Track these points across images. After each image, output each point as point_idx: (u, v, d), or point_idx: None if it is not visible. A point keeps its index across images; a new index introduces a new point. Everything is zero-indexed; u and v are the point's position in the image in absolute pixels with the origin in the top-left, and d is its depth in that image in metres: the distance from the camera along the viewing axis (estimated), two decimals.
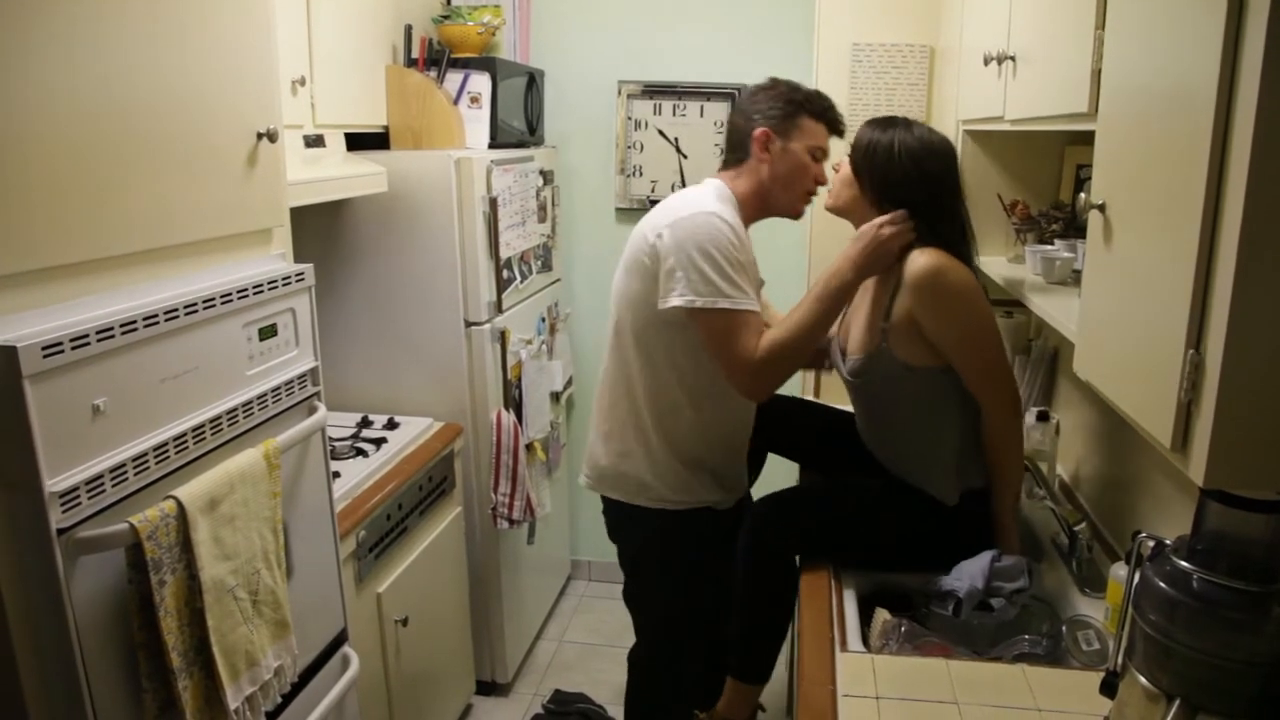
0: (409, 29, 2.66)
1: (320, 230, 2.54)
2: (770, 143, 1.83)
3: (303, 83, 2.10)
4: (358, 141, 2.49)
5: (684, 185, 3.22)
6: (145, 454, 1.28)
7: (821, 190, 1.89)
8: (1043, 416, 2.09)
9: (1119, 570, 1.46)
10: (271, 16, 1.60)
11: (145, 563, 1.23)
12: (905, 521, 1.73)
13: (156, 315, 1.29)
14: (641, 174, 3.27)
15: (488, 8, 2.93)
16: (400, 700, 2.25)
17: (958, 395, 1.68)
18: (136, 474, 1.27)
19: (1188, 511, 1.06)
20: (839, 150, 1.90)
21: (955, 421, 1.70)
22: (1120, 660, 1.13)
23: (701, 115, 3.19)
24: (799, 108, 1.84)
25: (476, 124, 2.68)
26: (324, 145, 2.25)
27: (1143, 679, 1.06)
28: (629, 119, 3.23)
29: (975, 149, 2.22)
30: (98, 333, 1.18)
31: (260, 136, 1.56)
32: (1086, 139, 1.25)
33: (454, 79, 2.66)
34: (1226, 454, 0.87)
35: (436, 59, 2.66)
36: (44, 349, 1.11)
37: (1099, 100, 1.20)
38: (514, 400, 2.74)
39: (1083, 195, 1.90)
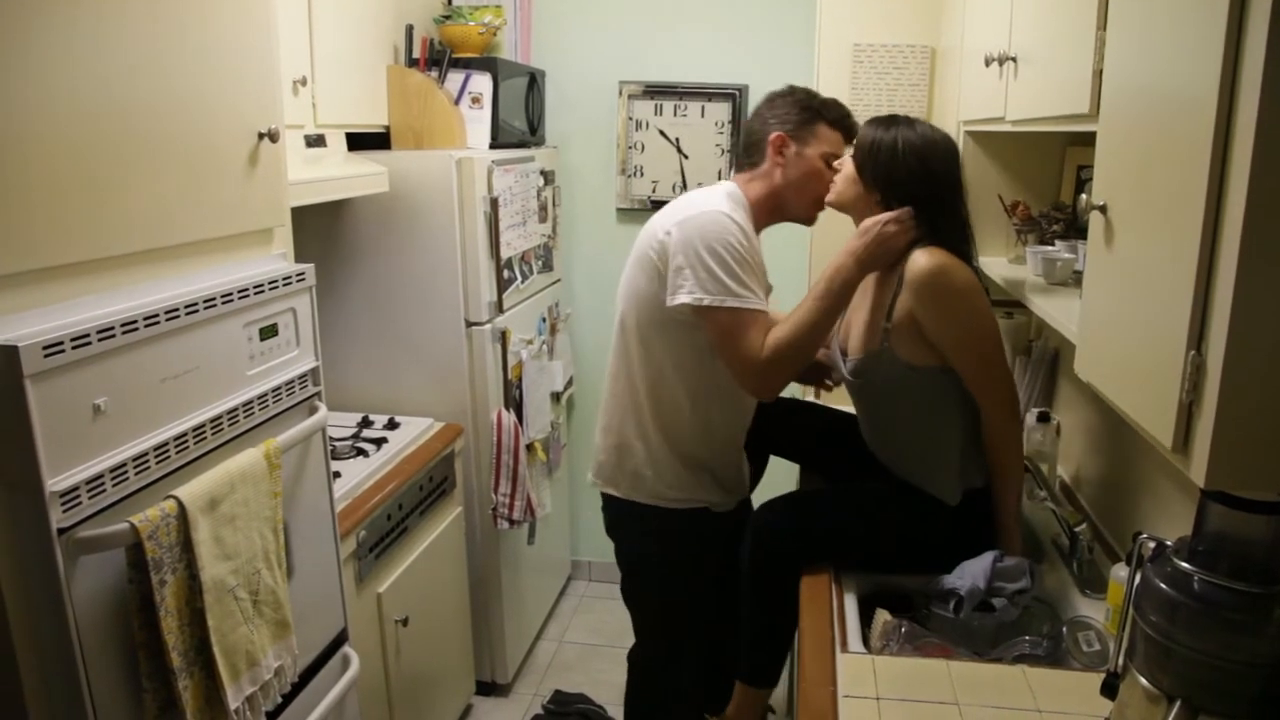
0: (410, 29, 2.66)
1: (321, 230, 2.54)
2: (785, 147, 1.84)
3: (304, 83, 2.10)
4: (359, 141, 2.49)
5: (685, 186, 3.23)
6: (146, 454, 1.28)
7: None
8: (1043, 417, 2.09)
9: (1120, 571, 1.46)
10: (273, 16, 1.60)
11: (146, 562, 1.23)
12: (907, 522, 1.73)
13: (157, 315, 1.29)
14: (642, 174, 3.27)
15: (489, 8, 2.94)
16: (400, 700, 2.25)
17: (959, 395, 1.68)
18: (137, 474, 1.27)
19: (1188, 512, 1.06)
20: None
21: (957, 421, 1.69)
22: (1121, 661, 1.13)
23: (703, 116, 3.19)
24: (815, 114, 1.85)
25: (478, 124, 2.68)
26: (325, 145, 2.25)
27: (1143, 680, 1.06)
28: (630, 119, 3.23)
29: (976, 149, 2.22)
30: (99, 332, 1.19)
31: (261, 136, 1.56)
32: (1088, 140, 1.25)
33: (455, 79, 2.66)
34: (1227, 455, 0.87)
35: (438, 59, 2.66)
36: (45, 348, 1.11)
37: (1100, 101, 1.20)
38: (514, 400, 2.74)
39: (1084, 196, 1.90)
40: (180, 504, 1.28)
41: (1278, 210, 0.80)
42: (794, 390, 2.50)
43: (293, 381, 1.63)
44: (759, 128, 1.88)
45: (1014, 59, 1.71)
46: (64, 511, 1.15)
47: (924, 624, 1.58)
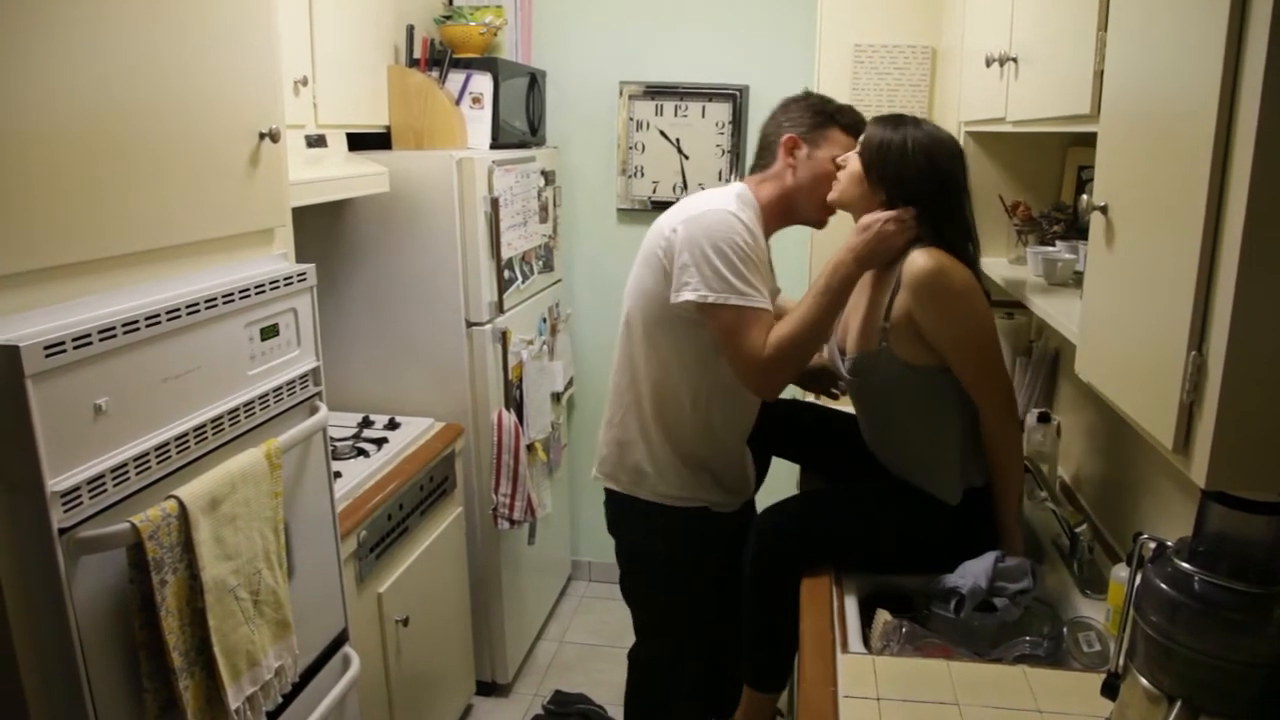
0: (411, 29, 2.67)
1: (322, 230, 2.54)
2: (797, 149, 1.85)
3: (305, 83, 2.10)
4: (359, 141, 2.49)
5: (685, 186, 3.23)
6: (147, 453, 1.28)
7: None
8: (1044, 418, 2.09)
9: (1120, 572, 1.46)
10: (273, 16, 1.60)
11: (146, 562, 1.23)
12: (907, 523, 1.73)
13: (158, 315, 1.29)
14: (643, 175, 3.27)
15: (489, 8, 2.94)
16: (401, 700, 2.25)
17: (958, 394, 1.68)
18: (138, 473, 1.27)
19: (1189, 513, 1.06)
20: None
21: (955, 420, 1.69)
22: (1122, 662, 1.13)
23: (703, 116, 3.19)
24: (830, 119, 1.86)
25: (478, 124, 2.68)
26: (326, 145, 2.25)
27: (1144, 680, 1.06)
28: (630, 120, 3.23)
29: (977, 150, 2.22)
30: (100, 332, 1.19)
31: (262, 136, 1.56)
32: (1088, 140, 1.25)
33: (456, 79, 2.66)
34: (1228, 455, 0.87)
35: (438, 59, 2.67)
36: (46, 348, 1.11)
37: (1101, 102, 1.20)
38: (515, 401, 2.74)
39: (1084, 197, 1.89)
40: (181, 504, 1.28)
41: (1278, 210, 0.80)
42: (794, 392, 2.50)
43: (293, 381, 1.63)
44: (772, 131, 1.90)
45: (1015, 59, 1.71)
46: (65, 511, 1.15)
47: (924, 624, 1.58)
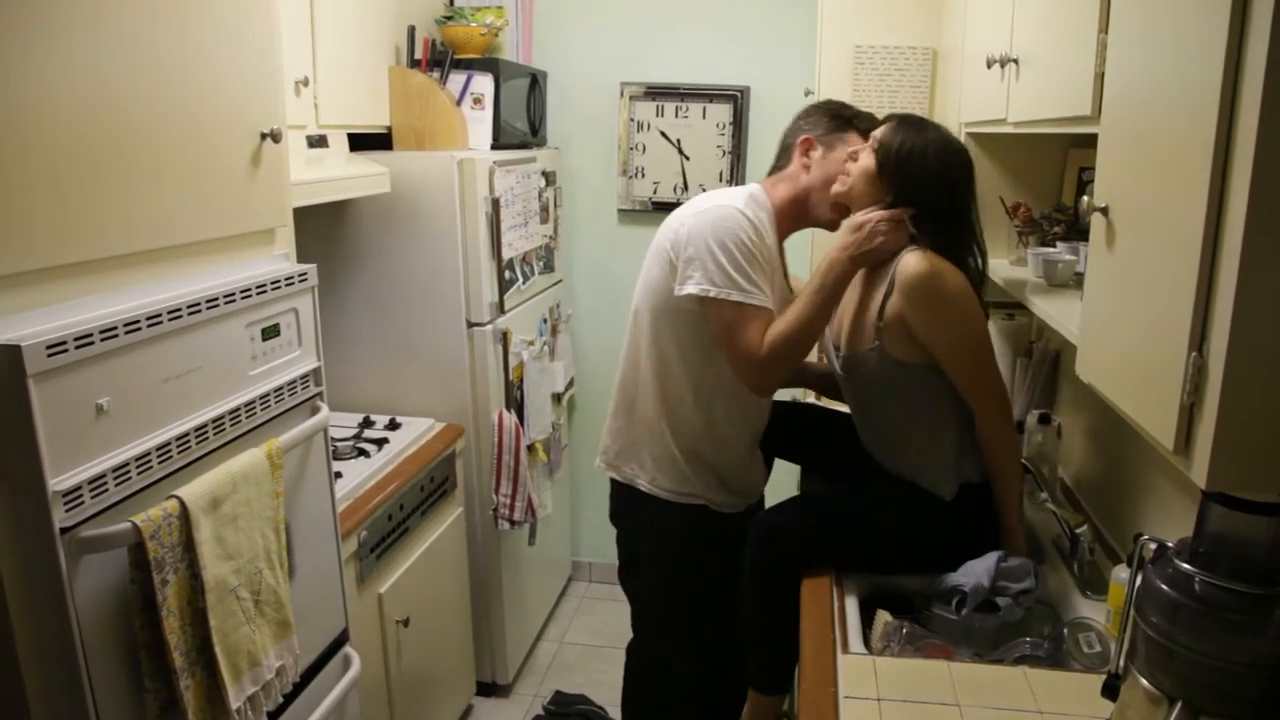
0: (412, 30, 2.67)
1: (323, 230, 2.54)
2: (812, 149, 1.87)
3: (306, 83, 2.10)
4: (361, 142, 2.50)
5: (686, 187, 3.23)
6: (148, 453, 1.28)
7: None
8: (1044, 419, 2.09)
9: (1120, 573, 1.46)
10: (275, 17, 1.60)
11: (148, 562, 1.23)
12: (907, 523, 1.73)
13: (160, 315, 1.29)
14: (644, 175, 3.27)
15: (490, 9, 2.94)
16: (401, 701, 2.25)
17: (951, 391, 1.68)
18: (139, 473, 1.27)
19: (1189, 514, 1.06)
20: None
21: (949, 416, 1.69)
22: (1122, 663, 1.13)
23: (704, 117, 3.20)
24: (847, 122, 1.88)
25: (479, 125, 2.68)
26: (327, 146, 2.25)
27: (1145, 681, 1.06)
28: (631, 120, 3.23)
29: (978, 151, 2.22)
30: (101, 332, 1.19)
31: (263, 137, 1.56)
32: (1089, 142, 1.25)
33: (457, 80, 2.66)
34: (1229, 456, 0.87)
35: (439, 60, 2.67)
36: (48, 348, 1.11)
37: (1102, 103, 1.20)
38: (515, 401, 2.74)
39: (1085, 198, 1.89)
40: (182, 504, 1.28)
41: (1279, 212, 0.80)
42: (795, 392, 2.50)
43: (294, 382, 1.63)
44: (791, 134, 1.93)
45: (1015, 61, 1.71)
46: (66, 511, 1.15)
47: (925, 625, 1.58)
